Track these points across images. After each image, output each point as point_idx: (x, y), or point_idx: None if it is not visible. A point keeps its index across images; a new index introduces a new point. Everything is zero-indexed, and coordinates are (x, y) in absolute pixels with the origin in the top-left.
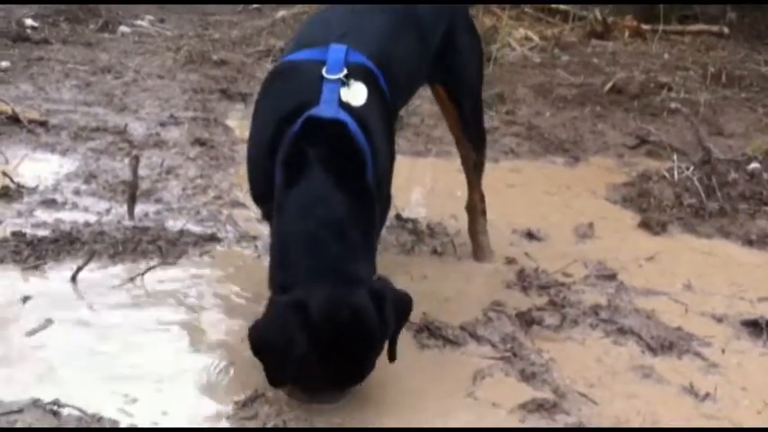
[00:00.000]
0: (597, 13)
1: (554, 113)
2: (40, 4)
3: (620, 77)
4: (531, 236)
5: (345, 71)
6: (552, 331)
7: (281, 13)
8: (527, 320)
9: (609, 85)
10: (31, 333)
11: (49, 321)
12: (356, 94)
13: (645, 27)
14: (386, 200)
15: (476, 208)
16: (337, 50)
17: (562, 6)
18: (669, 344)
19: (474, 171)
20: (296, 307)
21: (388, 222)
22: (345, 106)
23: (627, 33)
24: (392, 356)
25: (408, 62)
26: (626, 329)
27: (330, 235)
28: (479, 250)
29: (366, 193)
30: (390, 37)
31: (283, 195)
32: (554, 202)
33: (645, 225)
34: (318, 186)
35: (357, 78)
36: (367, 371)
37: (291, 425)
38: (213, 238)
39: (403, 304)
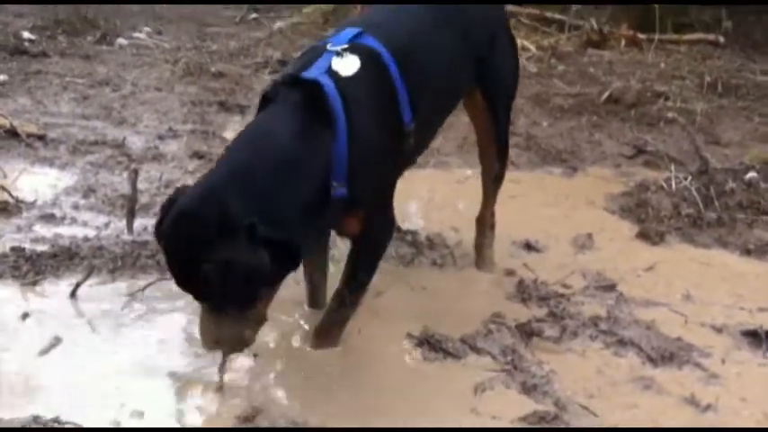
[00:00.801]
0: (593, 22)
1: (551, 123)
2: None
3: (617, 87)
4: (529, 247)
5: (345, 46)
6: (552, 343)
7: (279, 24)
8: (527, 332)
9: (605, 95)
10: (43, 353)
11: (57, 339)
12: (347, 64)
13: (641, 36)
14: (388, 221)
15: (486, 221)
16: (348, 32)
17: (558, 15)
18: (669, 355)
19: (493, 183)
20: (170, 200)
21: None
22: (332, 74)
23: (623, 42)
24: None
25: (444, 65)
26: (626, 340)
27: (252, 163)
28: (482, 263)
29: (318, 151)
30: (422, 34)
31: None
32: (552, 213)
33: (643, 235)
34: (272, 122)
35: (355, 54)
36: (199, 284)
37: None
38: None
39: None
